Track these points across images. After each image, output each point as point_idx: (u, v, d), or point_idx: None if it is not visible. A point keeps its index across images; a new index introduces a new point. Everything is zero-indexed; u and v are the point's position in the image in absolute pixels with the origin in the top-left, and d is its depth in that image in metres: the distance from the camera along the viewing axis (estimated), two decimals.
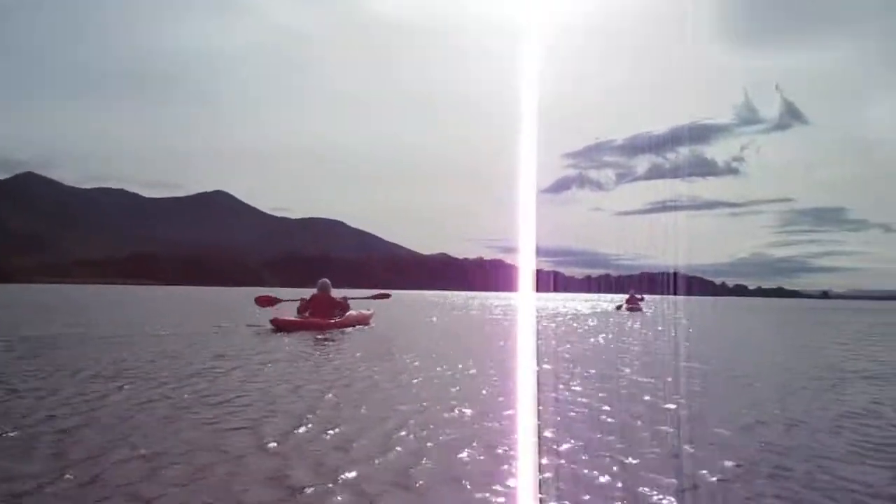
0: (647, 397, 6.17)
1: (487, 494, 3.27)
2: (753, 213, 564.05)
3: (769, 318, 32.39)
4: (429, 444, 4.16)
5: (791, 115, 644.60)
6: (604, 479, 3.54)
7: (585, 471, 3.66)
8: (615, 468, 3.72)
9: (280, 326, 12.86)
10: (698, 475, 3.63)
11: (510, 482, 3.46)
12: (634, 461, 3.86)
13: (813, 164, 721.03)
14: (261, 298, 16.27)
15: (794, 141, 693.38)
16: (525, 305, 33.14)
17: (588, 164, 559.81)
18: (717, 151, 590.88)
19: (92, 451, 3.80)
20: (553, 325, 19.31)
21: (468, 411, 5.25)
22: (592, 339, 13.64)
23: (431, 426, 4.67)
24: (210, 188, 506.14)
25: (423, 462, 3.77)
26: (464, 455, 3.93)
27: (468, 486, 3.38)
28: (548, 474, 3.61)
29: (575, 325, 19.59)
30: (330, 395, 5.88)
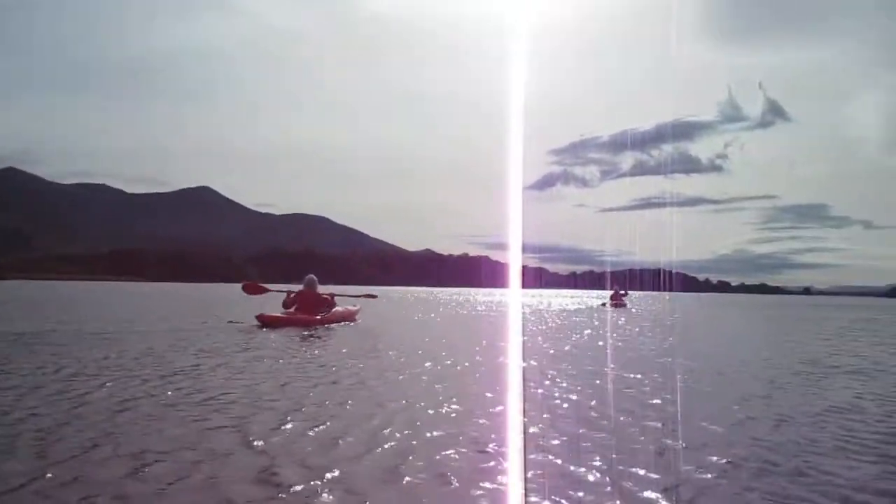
0: (633, 393, 6.21)
1: (474, 491, 3.26)
2: (736, 209, 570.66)
3: (752, 314, 32.67)
4: (415, 442, 4.15)
5: (774, 113, 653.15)
6: (591, 475, 3.55)
7: (572, 467, 3.67)
8: (602, 465, 3.73)
9: (266, 322, 12.81)
10: (684, 471, 3.64)
11: (497, 479, 3.46)
12: (621, 457, 3.87)
13: (795, 162, 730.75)
14: (249, 286, 16.65)
15: (777, 138, 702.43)
16: (511, 302, 33.21)
17: (573, 161, 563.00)
18: (700, 148, 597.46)
19: (74, 449, 3.75)
20: (539, 321, 19.36)
21: (455, 408, 5.25)
22: (577, 336, 13.68)
23: (418, 423, 4.65)
24: (194, 184, 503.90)
25: (410, 459, 3.76)
26: (451, 452, 3.92)
27: (455, 483, 3.38)
28: (535, 471, 3.61)
29: (560, 321, 19.66)
30: (316, 392, 5.85)
